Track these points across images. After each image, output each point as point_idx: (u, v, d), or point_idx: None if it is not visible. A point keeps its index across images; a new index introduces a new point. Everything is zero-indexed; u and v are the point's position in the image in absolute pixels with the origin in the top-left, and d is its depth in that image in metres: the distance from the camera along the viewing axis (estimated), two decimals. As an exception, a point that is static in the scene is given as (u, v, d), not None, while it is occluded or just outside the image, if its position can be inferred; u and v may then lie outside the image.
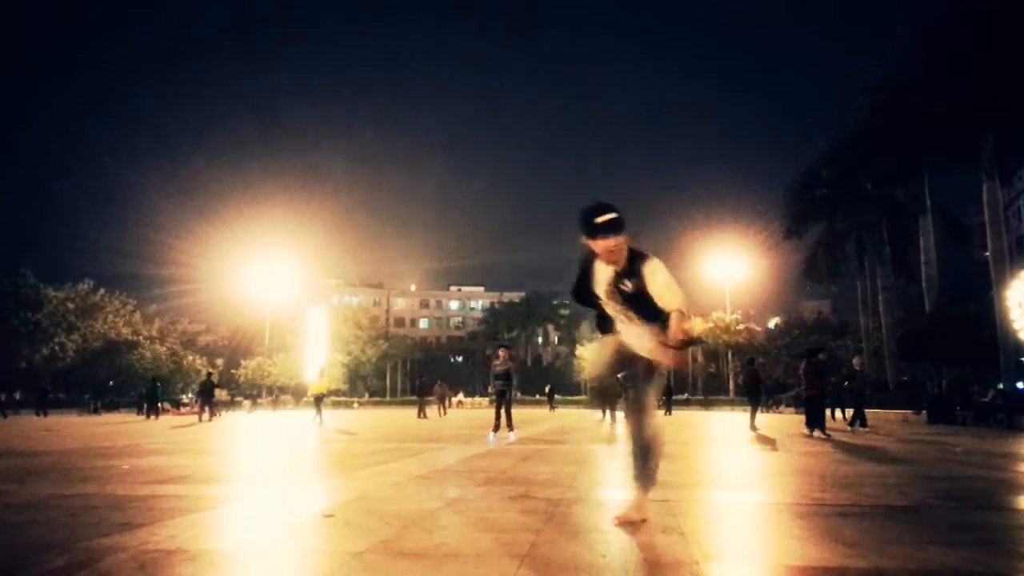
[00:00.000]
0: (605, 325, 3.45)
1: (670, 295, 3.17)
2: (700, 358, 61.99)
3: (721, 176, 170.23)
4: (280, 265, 60.24)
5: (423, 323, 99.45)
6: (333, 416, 27.86)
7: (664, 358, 3.14)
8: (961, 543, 2.92)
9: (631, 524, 3.21)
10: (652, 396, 3.34)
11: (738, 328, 57.93)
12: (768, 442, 9.01)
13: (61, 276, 52.59)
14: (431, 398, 26.02)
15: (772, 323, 66.91)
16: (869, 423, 14.70)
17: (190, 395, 47.10)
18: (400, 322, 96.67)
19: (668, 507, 3.85)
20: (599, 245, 3.17)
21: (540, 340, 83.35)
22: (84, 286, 51.85)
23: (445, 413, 26.74)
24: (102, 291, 52.95)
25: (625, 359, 3.36)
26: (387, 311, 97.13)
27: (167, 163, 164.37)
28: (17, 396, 44.07)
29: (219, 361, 65.32)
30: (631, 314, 3.28)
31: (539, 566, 2.47)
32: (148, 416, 24.42)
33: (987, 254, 26.47)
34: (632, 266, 3.22)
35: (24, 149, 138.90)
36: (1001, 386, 21.25)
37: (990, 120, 23.73)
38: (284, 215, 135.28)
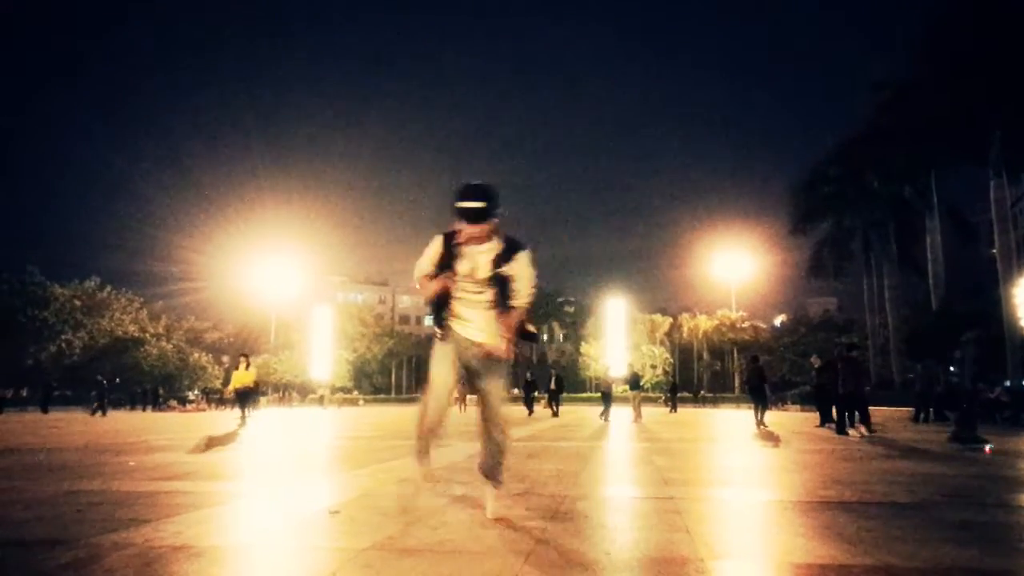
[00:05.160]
0: (441, 315, 3.34)
1: (527, 290, 3.27)
2: (706, 356, 61.97)
3: (727, 174, 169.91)
4: (285, 262, 60.47)
5: (428, 320, 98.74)
6: (339, 415, 27.92)
7: (502, 348, 3.23)
8: (966, 541, 2.91)
9: (506, 519, 3.28)
10: (503, 391, 3.33)
11: (743, 326, 57.86)
12: (773, 439, 9.00)
13: (68, 273, 52.90)
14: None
15: (778, 321, 66.79)
16: (873, 421, 14.19)
17: (196, 392, 47.26)
18: (405, 319, 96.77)
19: (673, 504, 3.85)
20: (464, 227, 3.17)
21: (545, 337, 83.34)
22: (91, 283, 52.09)
23: (464, 410, 27.56)
24: (108, 288, 53.22)
25: (465, 362, 3.31)
26: (392, 308, 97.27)
27: (173, 160, 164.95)
28: (24, 393, 44.35)
29: (225, 358, 65.52)
30: (488, 298, 3.26)
31: (543, 563, 2.47)
32: (95, 414, 24.73)
33: (994, 251, 26.35)
34: (508, 250, 3.24)
35: (30, 147, 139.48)
36: (1008, 384, 21.16)
37: (998, 117, 23.62)
38: (289, 212, 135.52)
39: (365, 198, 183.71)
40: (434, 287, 3.27)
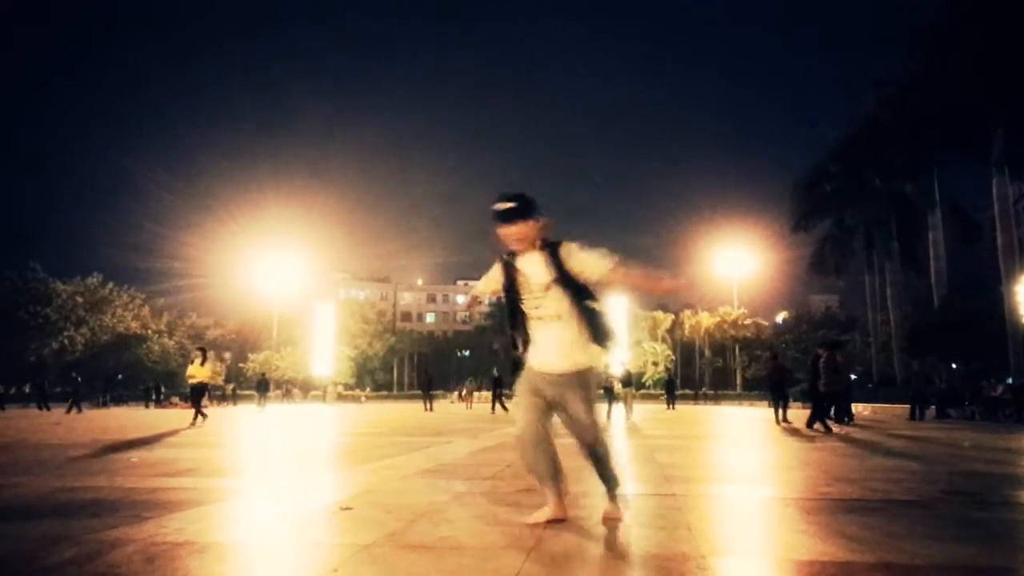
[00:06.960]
0: (515, 341, 3.22)
1: (597, 259, 3.03)
2: (707, 353, 61.96)
3: (729, 171, 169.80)
4: (287, 259, 60.45)
5: (430, 317, 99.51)
6: (339, 411, 27.95)
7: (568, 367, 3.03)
8: (968, 538, 2.91)
9: (615, 520, 3.15)
10: (596, 411, 3.11)
11: (745, 323, 57.83)
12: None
13: (70, 270, 53.17)
14: (436, 392, 29.15)
15: (779, 318, 66.76)
16: (874, 418, 14.30)
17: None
18: (407, 316, 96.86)
19: (675, 501, 3.85)
20: (502, 234, 3.09)
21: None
22: (93, 280, 52.14)
23: (471, 406, 29.67)
24: (111, 285, 53.27)
25: (546, 393, 3.09)
26: (394, 305, 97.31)
27: (175, 157, 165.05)
28: (27, 389, 44.44)
29: (227, 355, 65.58)
30: (551, 311, 3.07)
31: (545, 560, 2.47)
32: (41, 408, 25.69)
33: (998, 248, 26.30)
34: (550, 254, 3.07)
35: (32, 144, 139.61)
36: (1010, 381, 21.14)
37: (1001, 114, 23.55)
38: (291, 209, 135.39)
39: (367, 195, 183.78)
40: (466, 303, 3.55)
